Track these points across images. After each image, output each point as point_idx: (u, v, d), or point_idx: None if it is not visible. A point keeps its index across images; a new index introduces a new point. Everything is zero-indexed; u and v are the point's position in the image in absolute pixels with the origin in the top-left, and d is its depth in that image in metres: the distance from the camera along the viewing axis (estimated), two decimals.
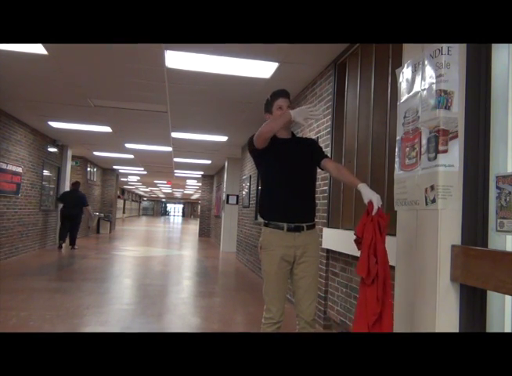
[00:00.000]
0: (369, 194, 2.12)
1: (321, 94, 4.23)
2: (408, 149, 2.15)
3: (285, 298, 2.38)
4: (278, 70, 4.22)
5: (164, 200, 57.79)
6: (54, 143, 9.54)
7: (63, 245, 9.25)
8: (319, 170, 4.18)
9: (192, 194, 36.11)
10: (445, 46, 1.93)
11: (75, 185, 9.62)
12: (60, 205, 9.57)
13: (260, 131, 2.31)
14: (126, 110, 6.20)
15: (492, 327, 1.86)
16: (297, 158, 2.40)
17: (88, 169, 13.45)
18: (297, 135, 2.73)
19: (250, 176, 8.16)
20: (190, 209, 56.51)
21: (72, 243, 9.39)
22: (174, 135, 7.90)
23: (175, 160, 11.72)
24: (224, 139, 8.18)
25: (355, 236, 2.12)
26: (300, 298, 2.36)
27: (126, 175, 19.37)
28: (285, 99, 2.40)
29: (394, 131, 2.44)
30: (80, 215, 9.50)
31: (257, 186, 7.41)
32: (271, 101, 2.42)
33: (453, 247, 1.89)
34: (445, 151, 1.90)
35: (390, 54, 2.95)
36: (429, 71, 2.01)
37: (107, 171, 16.09)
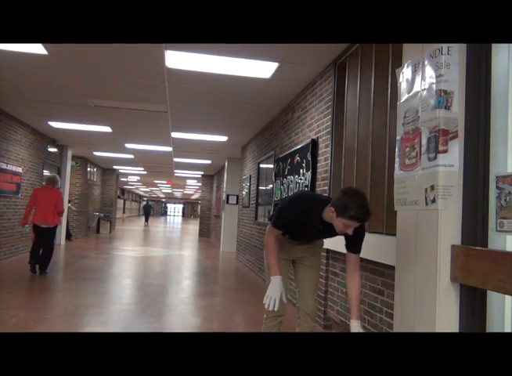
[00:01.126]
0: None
1: (321, 94, 4.23)
2: (408, 149, 2.15)
3: (286, 291, 2.42)
4: (278, 70, 4.22)
5: (164, 200, 57.83)
6: (54, 143, 9.54)
7: None
8: (320, 170, 4.17)
9: (192, 194, 36.11)
10: (445, 46, 1.93)
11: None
12: None
13: (265, 245, 2.35)
14: (126, 110, 6.20)
15: (492, 327, 1.86)
16: (318, 234, 2.38)
17: (88, 169, 13.44)
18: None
19: (250, 176, 8.15)
20: (190, 209, 56.51)
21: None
22: (174, 135, 7.90)
23: (175, 160, 11.72)
24: (224, 139, 8.18)
25: None
26: (301, 291, 2.44)
27: (126, 175, 19.37)
28: (358, 224, 2.06)
29: (394, 131, 2.44)
30: None
31: (257, 186, 7.41)
32: (347, 212, 1.99)
33: (453, 247, 1.89)
34: (445, 151, 1.90)
35: (390, 54, 2.95)
36: (429, 71, 2.01)
37: (107, 171, 16.08)
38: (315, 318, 2.46)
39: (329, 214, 2.10)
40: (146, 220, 27.59)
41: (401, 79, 2.28)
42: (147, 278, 6.39)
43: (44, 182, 6.12)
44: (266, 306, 2.15)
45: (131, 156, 11.44)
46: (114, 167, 15.44)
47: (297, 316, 2.48)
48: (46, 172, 9.27)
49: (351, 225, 2.02)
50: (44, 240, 5.90)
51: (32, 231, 6.03)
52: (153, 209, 40.89)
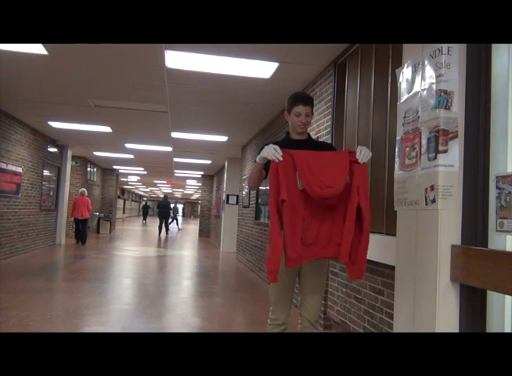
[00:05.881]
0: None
1: (321, 94, 4.23)
2: (408, 149, 2.15)
3: (291, 300, 2.34)
4: (278, 70, 4.22)
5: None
6: (54, 143, 9.54)
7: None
8: None
9: (192, 194, 36.09)
10: (445, 46, 1.93)
11: (165, 198, 16.65)
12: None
13: (248, 179, 2.23)
14: (126, 110, 6.20)
15: (492, 327, 1.86)
16: None
17: (88, 169, 13.44)
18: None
19: None
20: (190, 209, 56.50)
21: (166, 231, 16.39)
22: (174, 135, 7.90)
23: (175, 160, 11.72)
24: (224, 139, 8.18)
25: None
26: (305, 298, 2.32)
27: (126, 175, 19.37)
28: (305, 106, 2.30)
29: (394, 131, 2.44)
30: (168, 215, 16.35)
31: None
32: (291, 104, 2.34)
33: (453, 247, 1.89)
34: (445, 151, 1.91)
35: (390, 54, 2.95)
36: (429, 71, 2.01)
37: (107, 171, 16.08)
38: (317, 326, 2.41)
39: (290, 124, 2.39)
40: (144, 218, 29.77)
41: (401, 79, 2.28)
42: (147, 278, 6.40)
43: (79, 193, 10.69)
44: (271, 156, 2.03)
45: (131, 156, 11.44)
46: (114, 167, 15.44)
47: (298, 322, 2.43)
48: (46, 172, 9.32)
49: (300, 112, 2.29)
50: (82, 226, 10.45)
51: (74, 221, 10.74)
52: (151, 209, 41.80)
